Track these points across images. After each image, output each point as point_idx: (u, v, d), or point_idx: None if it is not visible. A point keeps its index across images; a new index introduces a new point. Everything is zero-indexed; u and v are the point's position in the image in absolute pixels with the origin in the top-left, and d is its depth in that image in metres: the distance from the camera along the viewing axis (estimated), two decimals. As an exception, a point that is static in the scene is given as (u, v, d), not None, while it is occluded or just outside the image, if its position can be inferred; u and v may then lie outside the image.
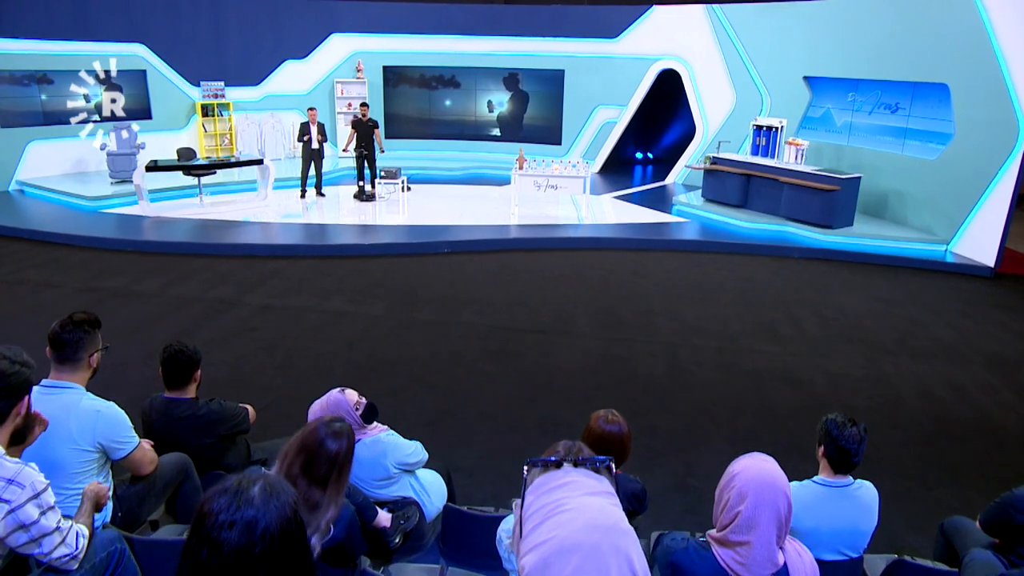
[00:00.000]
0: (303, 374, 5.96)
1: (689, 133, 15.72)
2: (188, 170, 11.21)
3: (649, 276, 8.95)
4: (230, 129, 15.09)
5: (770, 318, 7.63)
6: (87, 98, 13.44)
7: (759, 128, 11.83)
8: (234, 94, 15.10)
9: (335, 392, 2.88)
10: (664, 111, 16.82)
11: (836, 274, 9.37)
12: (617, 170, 16.10)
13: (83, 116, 13.39)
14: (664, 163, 16.91)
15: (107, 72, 13.52)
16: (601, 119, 15.68)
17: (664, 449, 5.01)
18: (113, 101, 13.74)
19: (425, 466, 3.26)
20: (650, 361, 6.41)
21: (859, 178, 10.54)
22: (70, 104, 13.27)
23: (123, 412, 2.82)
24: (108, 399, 2.81)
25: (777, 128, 11.54)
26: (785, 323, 7.50)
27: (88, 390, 2.78)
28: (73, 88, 13.24)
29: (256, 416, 3.53)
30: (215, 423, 3.18)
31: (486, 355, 6.43)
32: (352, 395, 2.90)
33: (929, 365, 6.54)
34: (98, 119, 13.54)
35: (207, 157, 14.05)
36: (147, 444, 2.95)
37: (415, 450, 3.07)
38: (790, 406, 5.69)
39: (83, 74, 13.29)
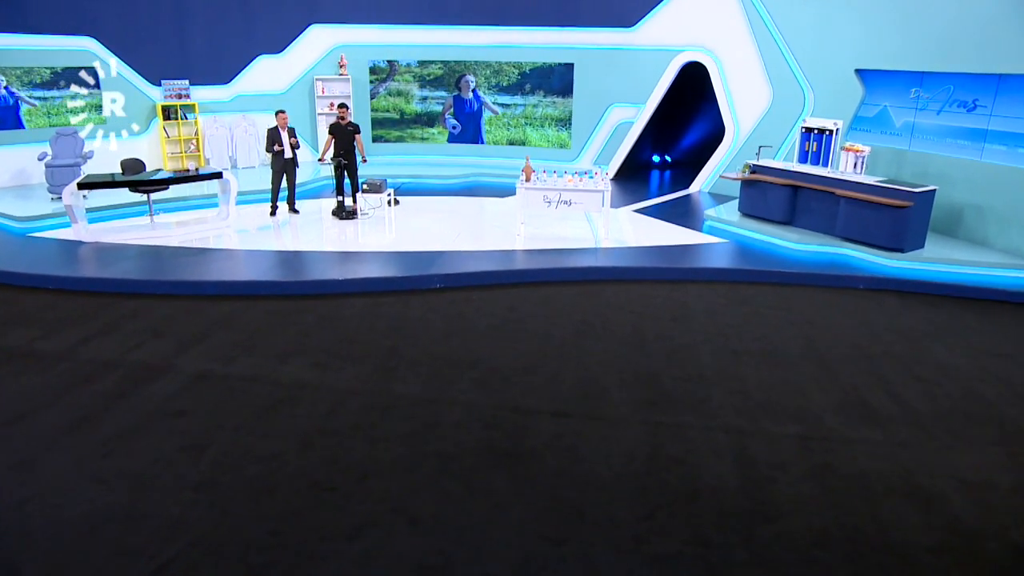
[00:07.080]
0: (231, 499, 4.22)
1: (711, 134, 13.97)
2: (133, 186, 9.45)
3: (691, 321, 7.20)
4: (196, 134, 13.32)
5: (856, 383, 5.90)
6: (28, 99, 11.72)
7: (808, 131, 10.05)
8: (200, 94, 13.36)
9: None
10: (684, 109, 15.02)
11: (916, 312, 7.64)
12: (632, 176, 14.30)
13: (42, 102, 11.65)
14: (684, 167, 15.14)
15: (55, 71, 11.76)
16: (616, 119, 13.90)
17: (763, 639, 3.28)
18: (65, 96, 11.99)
19: None
20: (714, 464, 4.68)
21: (934, 191, 8.80)
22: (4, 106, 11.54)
23: None
24: None
25: (831, 131, 9.77)
26: (877, 391, 5.77)
27: None
28: (9, 88, 11.50)
29: None
30: None
31: (491, 458, 4.69)
32: None
33: (1094, 464, 4.81)
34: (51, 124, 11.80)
35: (170, 167, 12.32)
36: None
37: None
38: (925, 544, 3.96)
39: (23, 73, 11.55)
